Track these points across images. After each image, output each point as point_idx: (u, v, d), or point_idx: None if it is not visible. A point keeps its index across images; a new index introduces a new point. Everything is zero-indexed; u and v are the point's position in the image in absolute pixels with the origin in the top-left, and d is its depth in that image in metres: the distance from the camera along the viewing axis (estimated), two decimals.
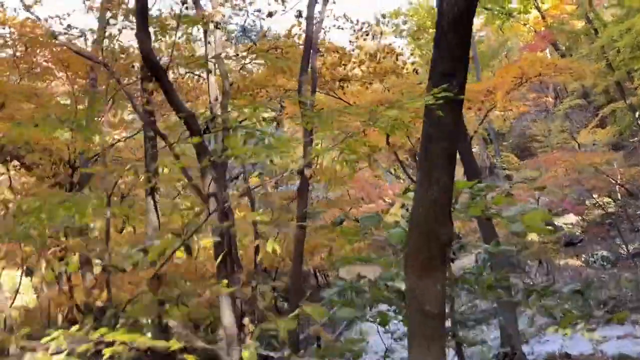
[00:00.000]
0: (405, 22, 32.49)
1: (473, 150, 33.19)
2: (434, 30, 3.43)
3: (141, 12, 3.38)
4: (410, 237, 3.64)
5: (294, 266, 6.45)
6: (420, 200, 3.52)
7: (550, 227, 19.65)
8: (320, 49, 8.57)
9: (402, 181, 34.92)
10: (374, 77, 9.44)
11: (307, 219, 6.06)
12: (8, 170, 17.82)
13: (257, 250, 5.63)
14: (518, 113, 30.02)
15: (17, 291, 13.72)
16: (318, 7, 7.77)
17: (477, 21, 34.92)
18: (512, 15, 29.22)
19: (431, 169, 3.43)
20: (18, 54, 11.40)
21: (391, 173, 37.83)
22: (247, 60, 8.71)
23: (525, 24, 29.64)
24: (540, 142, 23.81)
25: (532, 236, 20.42)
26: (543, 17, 27.62)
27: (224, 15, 7.35)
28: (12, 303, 13.14)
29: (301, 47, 7.66)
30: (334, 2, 8.65)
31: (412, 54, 37.76)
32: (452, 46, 3.30)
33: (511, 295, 5.79)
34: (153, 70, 3.58)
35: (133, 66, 6.75)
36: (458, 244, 5.35)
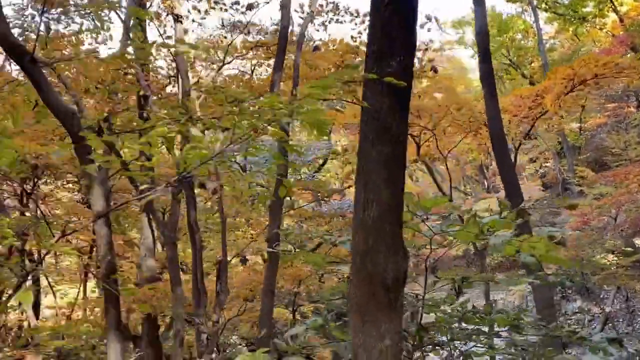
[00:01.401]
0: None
1: (546, 165, 31.17)
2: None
3: None
4: (351, 274, 2.78)
5: (263, 299, 5.54)
6: (356, 225, 2.64)
7: (629, 249, 17.69)
8: (320, 47, 7.76)
9: (468, 197, 33.20)
10: None
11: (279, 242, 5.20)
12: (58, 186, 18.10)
13: (219, 275, 4.88)
14: (594, 124, 27.84)
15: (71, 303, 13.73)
16: None
17: (550, 28, 32.92)
18: (586, 20, 27.21)
19: (367, 182, 2.56)
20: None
21: (457, 188, 36.13)
22: (229, 60, 7.92)
23: (601, 29, 27.50)
24: (616, 155, 21.75)
25: (608, 258, 18.52)
26: (621, 20, 25.48)
27: (198, 10, 6.71)
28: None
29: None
30: None
31: None
32: (387, 16, 2.43)
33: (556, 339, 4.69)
34: (15, 56, 2.94)
35: (126, 73, 6.21)
36: (460, 276, 4.38)
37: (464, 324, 4.67)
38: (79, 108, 4.03)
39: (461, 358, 4.57)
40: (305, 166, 18.57)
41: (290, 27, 7.05)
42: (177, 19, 5.42)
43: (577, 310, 19.44)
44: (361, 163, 2.59)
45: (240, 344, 11.78)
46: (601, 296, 18.99)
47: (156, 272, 6.89)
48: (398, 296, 2.71)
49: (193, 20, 6.39)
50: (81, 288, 12.88)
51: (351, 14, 8.06)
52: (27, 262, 14.72)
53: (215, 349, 5.76)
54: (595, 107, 27.82)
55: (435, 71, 8.37)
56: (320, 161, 19.30)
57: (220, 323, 5.69)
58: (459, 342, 4.68)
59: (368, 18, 8.58)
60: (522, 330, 4.58)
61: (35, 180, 14.66)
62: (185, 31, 5.57)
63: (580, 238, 15.00)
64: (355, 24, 8.09)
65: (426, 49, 8.37)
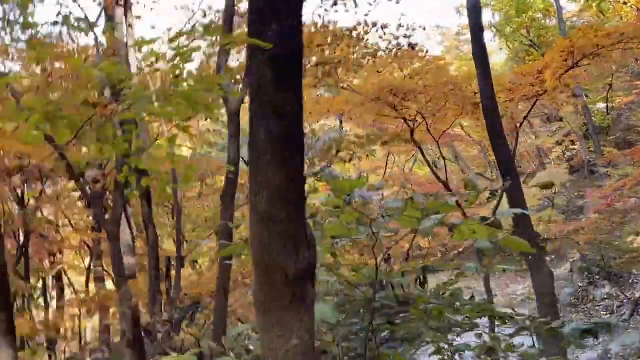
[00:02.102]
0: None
1: (572, 148, 30.20)
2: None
3: None
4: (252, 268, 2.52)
5: (217, 296, 5.25)
6: (251, 214, 2.38)
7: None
8: None
9: (493, 184, 32.41)
10: (360, 57, 8.06)
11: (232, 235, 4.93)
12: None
13: (167, 273, 4.66)
14: (622, 103, 26.76)
15: None
16: None
17: (574, 6, 31.75)
18: None
19: (257, 163, 2.28)
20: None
21: (482, 175, 35.37)
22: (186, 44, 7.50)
23: (625, 3, 26.50)
24: None
25: (637, 241, 17.78)
26: None
27: None
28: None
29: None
30: None
31: (500, 49, 35.17)
32: None
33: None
34: None
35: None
36: (422, 265, 4.04)
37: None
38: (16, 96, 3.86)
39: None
40: (316, 156, 18.30)
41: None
42: (118, 2, 5.17)
43: (605, 297, 18.73)
44: (250, 143, 2.32)
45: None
46: (630, 281, 18.25)
47: (135, 270, 6.72)
48: (304, 290, 2.44)
49: (144, 6, 6.16)
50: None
51: None
52: (40, 261, 14.88)
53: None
54: (623, 86, 26.89)
55: (413, 47, 8.04)
56: (334, 151, 19.03)
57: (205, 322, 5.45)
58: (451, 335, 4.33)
59: None
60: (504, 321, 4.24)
61: (43, 180, 14.75)
62: (138, 17, 5.37)
63: (599, 222, 14.39)
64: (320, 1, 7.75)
65: (399, 25, 8.04)
